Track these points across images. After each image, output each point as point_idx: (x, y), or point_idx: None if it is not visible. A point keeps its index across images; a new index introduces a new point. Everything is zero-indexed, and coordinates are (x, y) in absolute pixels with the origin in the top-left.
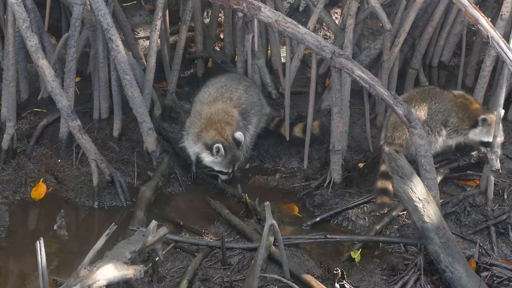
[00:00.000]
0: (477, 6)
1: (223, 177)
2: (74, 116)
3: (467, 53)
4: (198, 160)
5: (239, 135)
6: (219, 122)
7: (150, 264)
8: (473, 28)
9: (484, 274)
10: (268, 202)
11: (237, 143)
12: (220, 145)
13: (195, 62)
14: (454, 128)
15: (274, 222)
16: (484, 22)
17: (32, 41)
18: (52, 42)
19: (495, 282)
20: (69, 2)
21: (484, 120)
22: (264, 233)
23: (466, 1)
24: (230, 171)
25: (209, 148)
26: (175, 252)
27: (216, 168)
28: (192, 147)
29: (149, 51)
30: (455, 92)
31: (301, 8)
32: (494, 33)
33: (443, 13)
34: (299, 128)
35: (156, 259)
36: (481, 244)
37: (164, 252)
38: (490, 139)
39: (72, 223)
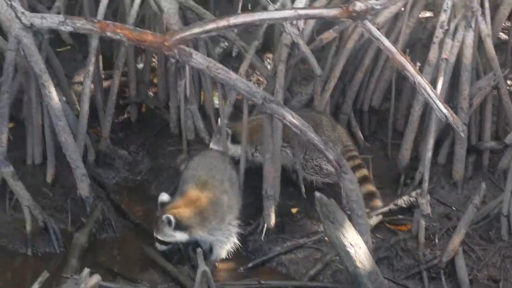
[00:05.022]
0: (406, 50)
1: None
2: (7, 162)
3: (397, 98)
4: None
5: None
6: None
7: None
8: (402, 73)
9: None
10: (200, 249)
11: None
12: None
13: (129, 107)
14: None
15: (206, 268)
16: (411, 68)
17: None
18: None
19: None
20: (1, 49)
21: None
22: (196, 280)
23: (393, 48)
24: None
25: None
26: None
27: None
28: None
29: (82, 97)
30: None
31: (234, 54)
32: (420, 79)
33: (373, 59)
34: None
35: None
36: None
37: None
38: None
39: (5, 270)
